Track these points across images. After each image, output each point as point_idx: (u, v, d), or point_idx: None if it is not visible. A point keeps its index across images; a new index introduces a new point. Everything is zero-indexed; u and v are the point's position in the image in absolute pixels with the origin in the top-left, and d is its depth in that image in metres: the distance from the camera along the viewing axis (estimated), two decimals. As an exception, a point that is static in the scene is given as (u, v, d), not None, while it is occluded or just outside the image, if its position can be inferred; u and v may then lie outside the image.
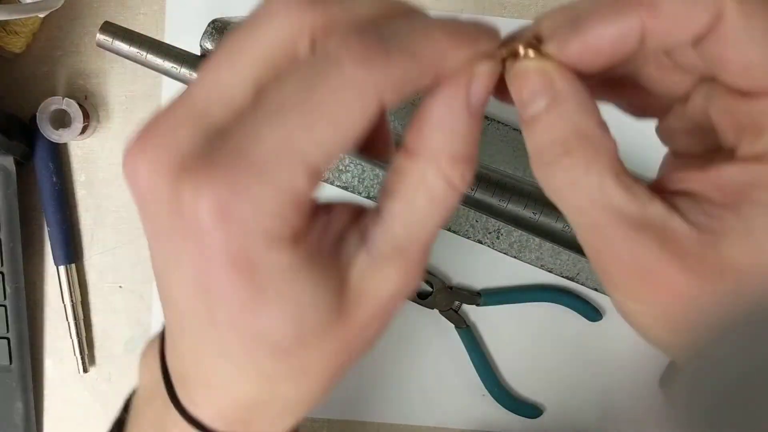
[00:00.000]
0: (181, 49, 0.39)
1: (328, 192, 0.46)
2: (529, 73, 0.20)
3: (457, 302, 0.47)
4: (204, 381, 0.23)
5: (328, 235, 0.21)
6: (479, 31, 0.20)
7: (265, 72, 0.19)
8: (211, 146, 0.18)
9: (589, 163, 0.20)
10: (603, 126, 0.20)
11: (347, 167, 0.46)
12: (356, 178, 0.46)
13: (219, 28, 0.39)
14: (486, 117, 0.45)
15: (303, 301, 0.19)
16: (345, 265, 0.20)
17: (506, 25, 0.20)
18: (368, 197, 0.46)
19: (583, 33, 0.19)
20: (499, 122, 0.45)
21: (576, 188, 0.20)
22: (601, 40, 0.19)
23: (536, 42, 0.20)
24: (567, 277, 0.46)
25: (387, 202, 0.21)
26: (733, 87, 0.20)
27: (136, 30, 0.39)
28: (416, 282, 0.22)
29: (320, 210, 0.21)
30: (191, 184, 0.18)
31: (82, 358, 0.47)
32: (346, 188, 0.46)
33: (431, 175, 0.20)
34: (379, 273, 0.21)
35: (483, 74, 0.20)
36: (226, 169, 0.18)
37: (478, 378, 0.48)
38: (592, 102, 0.20)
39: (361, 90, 0.18)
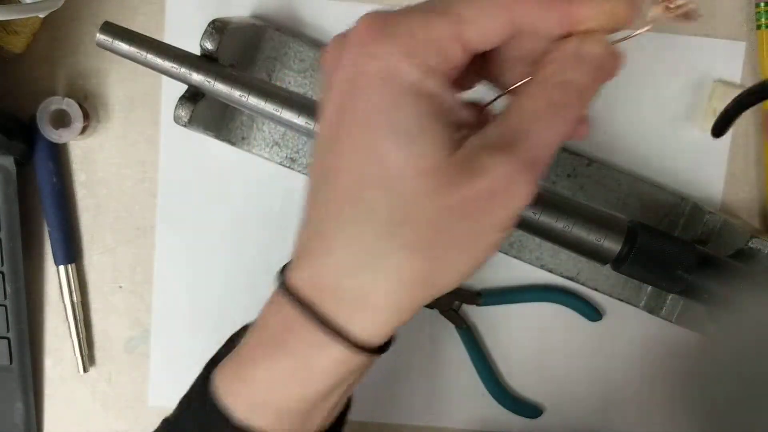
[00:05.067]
0: (181, 49, 0.39)
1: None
2: None
3: (457, 302, 0.47)
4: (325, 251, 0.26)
5: (456, 112, 0.25)
6: None
7: None
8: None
9: None
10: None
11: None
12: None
13: (219, 28, 0.39)
14: (486, 117, 0.45)
15: (422, 122, 0.23)
16: (461, 139, 0.24)
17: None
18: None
19: None
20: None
21: None
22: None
23: None
24: (567, 277, 0.46)
25: (512, 100, 0.24)
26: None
27: (136, 30, 0.39)
28: (517, 184, 0.23)
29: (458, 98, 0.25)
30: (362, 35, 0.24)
31: (82, 358, 0.47)
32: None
33: (551, 78, 0.24)
34: (485, 157, 0.23)
35: None
36: (411, 19, 0.23)
37: (478, 378, 0.48)
38: None
39: (503, 4, 0.23)
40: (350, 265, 0.25)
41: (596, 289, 0.46)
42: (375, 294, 0.25)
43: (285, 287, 0.27)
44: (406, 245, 0.24)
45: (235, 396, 0.28)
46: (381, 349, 0.27)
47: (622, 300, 0.46)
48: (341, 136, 0.25)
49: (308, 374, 0.27)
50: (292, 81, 0.45)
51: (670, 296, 0.45)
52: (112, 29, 0.38)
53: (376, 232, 0.24)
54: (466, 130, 0.25)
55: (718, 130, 0.34)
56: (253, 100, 0.38)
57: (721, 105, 0.45)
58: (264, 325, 0.28)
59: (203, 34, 0.39)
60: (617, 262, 0.38)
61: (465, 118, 0.25)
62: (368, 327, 0.26)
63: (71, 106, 0.44)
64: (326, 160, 0.26)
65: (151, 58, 0.38)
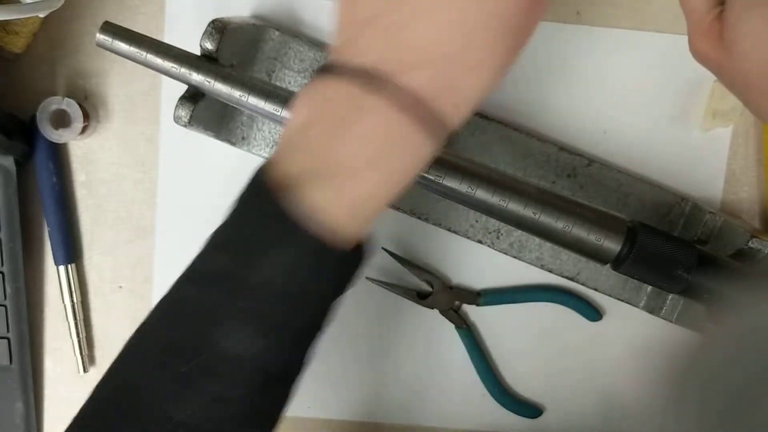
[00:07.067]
0: (181, 49, 0.39)
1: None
2: None
3: (457, 302, 0.47)
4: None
5: None
6: None
7: None
8: None
9: None
10: None
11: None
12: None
13: (219, 28, 0.39)
14: (486, 117, 0.45)
15: None
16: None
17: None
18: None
19: None
20: (499, 122, 0.45)
21: None
22: None
23: None
24: (567, 277, 0.46)
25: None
26: None
27: (136, 30, 0.39)
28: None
29: None
30: None
31: (82, 358, 0.47)
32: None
33: None
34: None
35: None
36: None
37: (478, 378, 0.48)
38: None
39: None
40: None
41: (596, 289, 0.46)
42: (476, 79, 0.27)
43: (391, 88, 0.26)
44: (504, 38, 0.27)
45: (331, 203, 0.27)
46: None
47: (622, 300, 0.46)
48: None
49: (408, 175, 0.28)
50: (292, 81, 0.45)
51: (670, 296, 0.45)
52: (112, 29, 0.38)
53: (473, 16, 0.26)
54: None
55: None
56: (253, 100, 0.38)
57: (721, 105, 0.45)
58: (359, 135, 0.27)
59: (203, 34, 0.39)
60: (617, 262, 0.38)
61: None
62: (460, 115, 0.27)
63: (71, 106, 0.44)
64: None
65: (151, 58, 0.38)
